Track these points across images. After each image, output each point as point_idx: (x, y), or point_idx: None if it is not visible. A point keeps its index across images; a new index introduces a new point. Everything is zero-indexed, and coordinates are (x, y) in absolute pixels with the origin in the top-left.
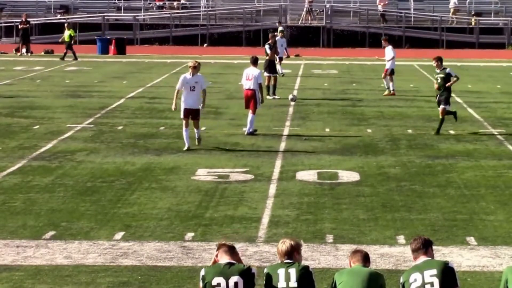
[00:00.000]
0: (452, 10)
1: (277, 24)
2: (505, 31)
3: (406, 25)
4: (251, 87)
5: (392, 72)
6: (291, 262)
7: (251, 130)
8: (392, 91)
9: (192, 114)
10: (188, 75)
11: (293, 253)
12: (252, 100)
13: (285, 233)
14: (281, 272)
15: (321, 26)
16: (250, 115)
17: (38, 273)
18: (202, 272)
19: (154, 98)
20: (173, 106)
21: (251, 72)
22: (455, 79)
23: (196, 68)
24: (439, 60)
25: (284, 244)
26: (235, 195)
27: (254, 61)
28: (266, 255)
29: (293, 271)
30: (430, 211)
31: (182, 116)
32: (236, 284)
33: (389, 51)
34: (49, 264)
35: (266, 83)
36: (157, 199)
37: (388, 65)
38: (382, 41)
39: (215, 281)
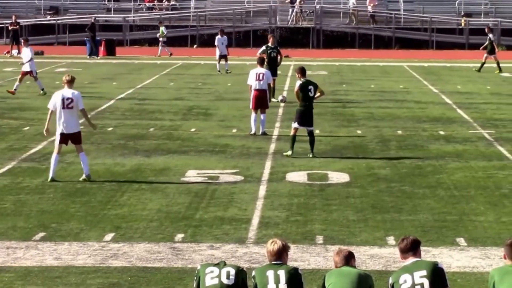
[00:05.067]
0: (351, 11)
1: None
2: (495, 31)
3: (396, 26)
4: (262, 87)
5: None
6: (280, 263)
7: (264, 130)
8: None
9: (72, 139)
10: (62, 91)
11: (282, 254)
12: (264, 100)
13: (275, 234)
14: (270, 274)
15: (311, 27)
16: (261, 115)
17: (28, 275)
18: (198, 267)
19: (144, 99)
20: (44, 131)
21: (260, 71)
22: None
23: (70, 82)
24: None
25: (276, 244)
26: (225, 196)
27: (261, 62)
28: (256, 257)
29: (282, 273)
30: (420, 212)
31: (57, 142)
32: (228, 273)
33: None
34: (39, 266)
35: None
36: (147, 200)
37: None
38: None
39: (208, 270)
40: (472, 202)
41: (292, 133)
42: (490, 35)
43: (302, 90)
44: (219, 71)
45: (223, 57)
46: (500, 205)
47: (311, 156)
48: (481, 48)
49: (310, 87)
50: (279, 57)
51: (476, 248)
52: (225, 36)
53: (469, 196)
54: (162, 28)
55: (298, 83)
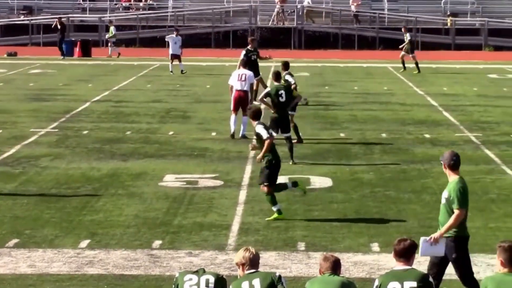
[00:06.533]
0: (305, 11)
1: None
2: (482, 32)
3: (380, 26)
4: (244, 88)
5: None
6: (254, 271)
7: (244, 133)
8: None
9: None
10: None
11: (258, 262)
12: (244, 101)
13: (255, 240)
14: (245, 285)
15: (292, 27)
16: (243, 118)
17: (1, 282)
18: (176, 275)
19: (121, 102)
20: None
21: (243, 72)
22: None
23: None
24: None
25: (252, 251)
26: (204, 201)
27: (245, 63)
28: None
29: (256, 282)
30: (405, 217)
31: None
32: (207, 281)
33: None
34: (12, 273)
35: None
36: (123, 206)
37: None
38: None
39: (187, 277)
40: None
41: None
42: (407, 35)
43: (271, 96)
44: (171, 71)
45: (175, 57)
46: (487, 210)
47: (291, 163)
48: (400, 47)
49: (281, 92)
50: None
51: None
52: (179, 36)
53: None
54: (111, 28)
55: (267, 89)
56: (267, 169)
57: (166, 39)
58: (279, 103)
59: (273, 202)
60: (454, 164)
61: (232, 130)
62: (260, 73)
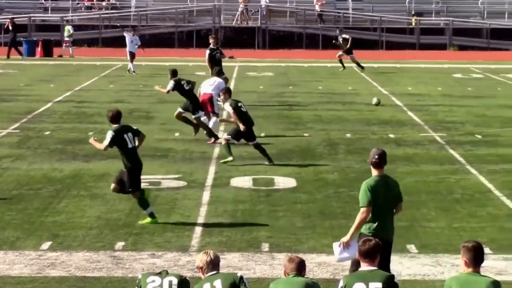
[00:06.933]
0: (268, 12)
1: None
2: (447, 31)
3: (344, 26)
4: (209, 91)
5: None
6: (215, 273)
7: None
8: None
9: None
10: None
11: (219, 264)
12: (208, 103)
13: (219, 241)
14: (207, 286)
15: (256, 27)
16: (213, 119)
17: None
18: (139, 276)
19: (83, 102)
20: None
21: (215, 79)
22: None
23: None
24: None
25: (210, 255)
26: (167, 202)
27: (218, 72)
28: None
29: (218, 283)
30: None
31: None
32: (171, 282)
33: None
34: None
35: None
36: (86, 207)
37: None
38: None
39: (150, 279)
40: (423, 208)
41: (224, 143)
42: (344, 35)
43: (238, 111)
44: (128, 70)
45: (132, 55)
46: (452, 210)
47: (267, 163)
48: (334, 41)
49: (240, 104)
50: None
51: (427, 255)
52: (136, 36)
53: (420, 202)
54: (68, 28)
55: (229, 107)
56: (128, 175)
57: (124, 34)
58: (244, 116)
59: (144, 205)
60: (376, 163)
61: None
62: (224, 73)
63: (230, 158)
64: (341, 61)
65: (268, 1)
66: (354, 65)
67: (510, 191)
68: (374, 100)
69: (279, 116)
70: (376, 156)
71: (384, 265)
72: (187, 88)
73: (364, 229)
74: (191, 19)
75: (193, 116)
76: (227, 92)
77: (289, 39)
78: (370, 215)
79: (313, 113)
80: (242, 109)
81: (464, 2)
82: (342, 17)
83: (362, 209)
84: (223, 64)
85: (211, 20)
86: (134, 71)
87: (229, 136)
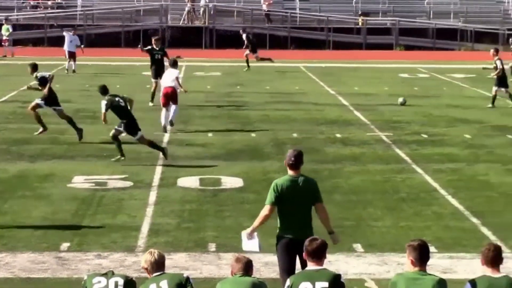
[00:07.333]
0: (186, 13)
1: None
2: (393, 31)
3: (292, 26)
4: (171, 85)
5: None
6: (161, 273)
7: (173, 120)
8: None
9: None
10: None
11: (164, 264)
12: (171, 95)
13: (165, 242)
14: (153, 287)
15: (204, 27)
16: (173, 106)
17: None
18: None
19: (28, 102)
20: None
21: (171, 70)
22: None
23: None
24: None
25: (154, 255)
26: (114, 203)
27: (174, 63)
28: None
29: (164, 284)
30: (316, 217)
31: None
32: (116, 283)
33: None
34: None
35: (152, 89)
36: (31, 207)
37: None
38: None
39: (95, 280)
40: (370, 207)
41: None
42: (244, 35)
43: (113, 108)
44: (67, 70)
45: (71, 54)
46: (398, 209)
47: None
48: (244, 47)
49: (118, 98)
50: (165, 59)
51: (374, 254)
52: (76, 36)
53: (366, 201)
54: (7, 27)
55: (103, 103)
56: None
57: (64, 33)
58: (121, 112)
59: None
60: (291, 164)
61: (163, 124)
62: (73, 68)
63: (119, 157)
64: (247, 61)
65: (207, 1)
66: (301, 65)
67: (455, 190)
68: (400, 100)
69: (227, 116)
70: (293, 159)
71: (303, 268)
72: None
73: (278, 230)
74: (138, 18)
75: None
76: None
77: (237, 39)
78: (279, 214)
79: (260, 113)
80: (121, 103)
81: (410, 2)
82: (289, 17)
83: (265, 207)
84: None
85: (158, 19)
86: (74, 70)
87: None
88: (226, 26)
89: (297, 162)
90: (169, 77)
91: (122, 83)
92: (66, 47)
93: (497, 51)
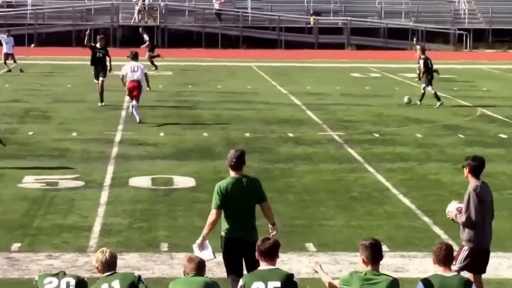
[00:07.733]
0: (147, 8)
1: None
2: (345, 31)
3: (244, 25)
4: (136, 78)
5: None
6: (113, 272)
7: (141, 117)
8: None
9: None
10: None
11: (116, 263)
12: (136, 89)
13: (117, 242)
14: (105, 286)
15: (155, 26)
16: (133, 102)
17: None
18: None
19: None
20: None
21: (135, 64)
22: None
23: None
24: None
25: (106, 254)
26: (65, 203)
27: (134, 56)
28: None
29: (116, 283)
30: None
31: None
32: (68, 283)
33: None
34: None
35: (99, 90)
36: None
37: None
38: None
39: (47, 280)
40: (322, 206)
41: None
42: (145, 35)
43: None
44: (10, 70)
45: (8, 56)
46: (349, 208)
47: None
48: (143, 46)
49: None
50: (107, 58)
51: (326, 254)
52: (11, 37)
53: (318, 200)
54: None
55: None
56: None
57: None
58: None
59: None
60: (233, 165)
61: (138, 119)
62: (112, 72)
63: None
64: (151, 62)
65: (151, 0)
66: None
67: (406, 189)
68: (405, 99)
69: (178, 115)
70: (234, 160)
71: (249, 267)
72: None
73: (222, 230)
74: (89, 17)
75: None
76: None
77: (188, 38)
78: (224, 215)
79: (212, 112)
80: None
81: (362, 2)
82: (241, 16)
83: (212, 211)
84: (120, 63)
85: (109, 18)
86: (21, 70)
87: None
88: (177, 25)
89: (238, 163)
90: (135, 71)
91: (74, 83)
92: (5, 49)
93: (423, 50)
